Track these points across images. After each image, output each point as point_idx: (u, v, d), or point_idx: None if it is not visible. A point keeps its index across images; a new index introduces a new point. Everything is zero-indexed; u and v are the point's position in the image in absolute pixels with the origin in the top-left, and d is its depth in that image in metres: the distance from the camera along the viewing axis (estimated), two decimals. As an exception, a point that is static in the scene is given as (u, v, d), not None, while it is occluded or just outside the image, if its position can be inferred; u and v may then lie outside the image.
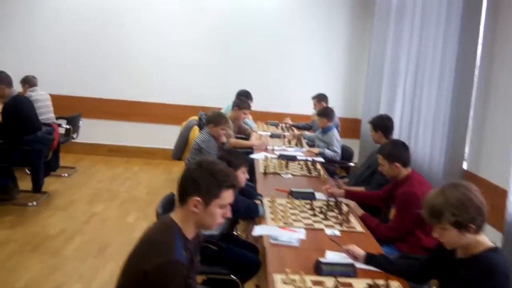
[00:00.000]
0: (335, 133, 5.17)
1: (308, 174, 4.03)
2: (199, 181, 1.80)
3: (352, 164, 5.18)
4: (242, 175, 2.99)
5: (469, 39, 3.86)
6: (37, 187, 4.96)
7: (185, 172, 1.88)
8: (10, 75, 4.93)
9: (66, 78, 7.37)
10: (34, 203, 5.05)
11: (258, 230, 2.64)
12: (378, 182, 3.92)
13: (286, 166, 4.18)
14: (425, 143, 4.58)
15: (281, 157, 4.49)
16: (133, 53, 7.48)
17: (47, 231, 4.45)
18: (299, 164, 4.38)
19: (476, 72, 3.84)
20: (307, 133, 6.00)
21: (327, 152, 5.05)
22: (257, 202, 3.02)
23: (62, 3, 7.32)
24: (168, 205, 2.99)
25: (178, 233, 1.81)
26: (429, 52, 4.60)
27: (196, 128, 6.31)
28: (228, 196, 1.85)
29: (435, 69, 4.44)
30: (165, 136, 7.47)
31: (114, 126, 7.60)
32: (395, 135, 4.97)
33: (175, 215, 1.87)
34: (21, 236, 4.26)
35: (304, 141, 5.50)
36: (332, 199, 3.24)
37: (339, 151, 5.09)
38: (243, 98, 5.97)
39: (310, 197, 3.27)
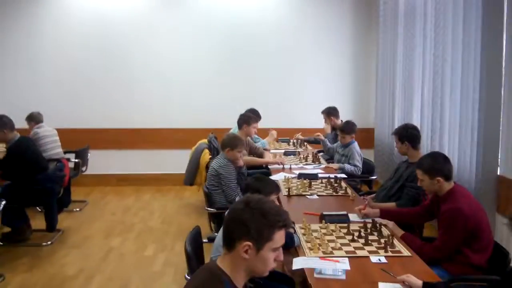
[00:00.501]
0: (355, 146, 5.00)
1: (334, 193, 3.86)
2: (248, 223, 1.62)
3: (374, 177, 5.00)
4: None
5: (492, 36, 3.72)
6: (51, 226, 4.79)
7: (231, 214, 1.70)
8: (14, 112, 4.79)
9: (70, 111, 7.25)
10: (49, 242, 4.87)
11: (298, 263, 2.46)
12: (409, 196, 3.74)
13: (310, 186, 4.00)
14: (452, 150, 4.41)
15: (302, 176, 4.31)
16: (136, 80, 7.36)
17: (65, 271, 4.26)
18: (322, 182, 4.20)
19: (503, 70, 3.69)
20: (328, 143, 5.77)
21: (347, 167, 4.87)
22: (290, 230, 2.84)
23: (61, 33, 7.21)
24: (195, 241, 2.82)
25: (227, 283, 1.63)
26: (448, 53, 4.46)
27: (206, 151, 6.16)
28: (280, 237, 1.67)
29: (457, 71, 4.28)
30: (174, 162, 7.34)
31: (122, 155, 7.45)
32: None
33: (222, 262, 1.69)
34: (39, 279, 4.07)
35: (321, 158, 5.33)
36: (368, 220, 3.07)
37: (360, 165, 4.91)
38: (248, 113, 5.80)
39: (345, 220, 3.09)
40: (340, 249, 2.65)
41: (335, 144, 5.33)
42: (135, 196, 6.94)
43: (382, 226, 2.98)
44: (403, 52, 5.88)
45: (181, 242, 4.97)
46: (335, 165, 4.94)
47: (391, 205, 3.77)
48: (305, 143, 6.44)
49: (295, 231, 2.88)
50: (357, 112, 7.21)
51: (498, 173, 3.87)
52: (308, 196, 3.76)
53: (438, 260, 2.73)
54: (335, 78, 7.41)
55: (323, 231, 2.92)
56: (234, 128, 6.34)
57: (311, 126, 7.16)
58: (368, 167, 4.99)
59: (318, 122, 7.04)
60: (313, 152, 5.60)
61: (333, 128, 6.14)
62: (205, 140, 6.44)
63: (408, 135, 3.88)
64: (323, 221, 3.03)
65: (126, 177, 7.46)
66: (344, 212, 3.18)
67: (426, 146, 4.87)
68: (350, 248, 2.66)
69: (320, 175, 4.39)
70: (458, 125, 4.30)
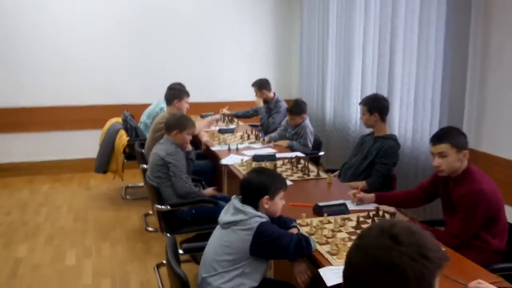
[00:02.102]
0: (308, 124, 4.56)
1: (306, 177, 3.39)
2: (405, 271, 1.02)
3: (322, 153, 4.65)
4: (280, 202, 2.26)
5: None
6: None
7: (371, 257, 1.07)
8: None
9: None
10: None
11: (330, 277, 1.94)
12: (381, 174, 3.45)
13: (275, 169, 3.48)
14: (404, 124, 4.23)
15: (258, 158, 3.77)
16: (21, 51, 6.03)
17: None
18: (284, 164, 3.71)
19: (470, 30, 3.50)
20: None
21: (296, 145, 4.44)
22: (294, 230, 2.31)
23: None
24: (174, 255, 2.15)
25: None
26: (400, 17, 4.21)
27: (122, 133, 5.27)
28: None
29: (411, 33, 4.04)
30: (75, 145, 6.30)
31: (3, 140, 6.13)
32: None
33: None
34: None
35: (261, 134, 4.81)
36: (369, 208, 2.68)
37: (310, 145, 4.51)
38: (178, 87, 5.07)
39: (344, 210, 2.65)
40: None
41: (283, 122, 4.84)
42: (28, 189, 5.77)
43: (386, 214, 2.60)
44: (337, 13, 5.54)
45: (107, 244, 4.16)
46: (284, 143, 4.47)
47: (361, 183, 3.44)
48: (234, 118, 5.86)
49: (299, 230, 2.36)
50: (280, 83, 6.80)
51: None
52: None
53: (455, 248, 2.44)
54: (257, 49, 6.90)
55: (329, 226, 2.45)
56: (155, 104, 5.53)
57: (237, 99, 6.63)
58: (316, 143, 4.61)
59: (243, 95, 6.55)
60: (253, 129, 5.04)
61: (265, 101, 5.65)
62: (119, 119, 5.52)
63: (379, 106, 3.56)
64: (325, 214, 2.55)
65: (11, 166, 6.18)
66: (342, 201, 2.73)
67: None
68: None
69: (279, 156, 3.89)
70: (413, 98, 4.10)
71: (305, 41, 6.46)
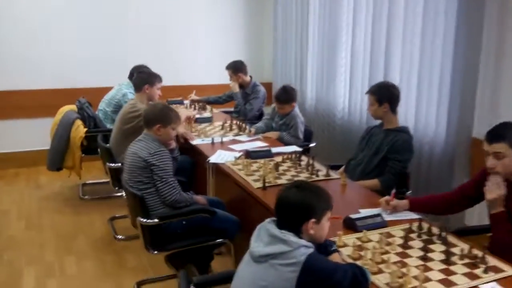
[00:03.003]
0: (297, 113, 4.06)
1: (315, 177, 2.91)
2: None
3: (313, 144, 4.19)
4: (327, 224, 1.77)
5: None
6: None
7: None
8: None
9: None
10: None
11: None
12: (395, 171, 3.06)
13: (277, 169, 2.98)
14: (405, 111, 3.85)
15: (252, 155, 3.26)
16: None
17: None
18: (284, 161, 3.21)
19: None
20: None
21: (286, 137, 3.95)
22: (336, 257, 1.84)
23: None
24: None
25: None
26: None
27: (79, 123, 4.57)
28: None
29: (414, 10, 3.63)
30: (18, 136, 5.50)
31: None
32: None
33: None
34: None
35: (247, 124, 4.26)
36: (404, 217, 2.27)
37: (302, 136, 4.04)
38: (148, 70, 4.41)
39: (381, 223, 2.21)
40: (428, 280, 1.76)
41: (269, 110, 4.31)
42: (-37, 189, 4.95)
43: (433, 228, 2.18)
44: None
45: (71, 258, 3.51)
46: (273, 134, 3.96)
47: (373, 182, 3.04)
48: (206, 105, 5.27)
49: (340, 254, 1.89)
50: (251, 65, 6.24)
51: (473, 135, 3.45)
52: (289, 186, 2.74)
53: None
54: (228, 28, 6.27)
55: (370, 245, 2.00)
56: (116, 90, 4.84)
57: (205, 82, 6.02)
58: (306, 133, 4.14)
59: (212, 77, 5.98)
60: (233, 119, 4.47)
61: (241, 86, 5.10)
62: (73, 107, 4.78)
63: (389, 95, 3.14)
64: (363, 231, 2.09)
65: None
66: (376, 211, 2.29)
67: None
68: (438, 275, 1.80)
69: (275, 151, 3.39)
70: (416, 80, 3.72)
71: (281, 16, 5.91)
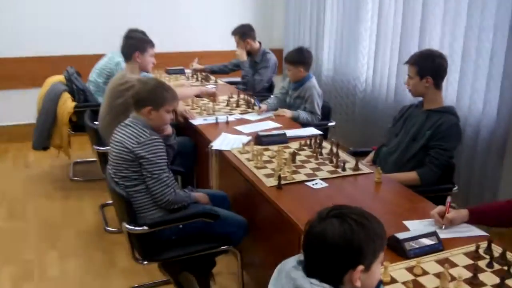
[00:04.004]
0: (314, 83, 3.49)
1: (342, 172, 2.37)
2: None
3: (332, 123, 3.63)
4: (378, 269, 1.24)
5: None
6: None
7: None
8: None
9: None
10: None
11: None
12: (439, 163, 2.51)
13: (293, 160, 2.45)
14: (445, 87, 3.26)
15: (263, 141, 2.72)
16: None
17: None
18: (301, 149, 2.67)
19: None
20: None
21: (302, 115, 3.39)
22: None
23: None
24: None
25: None
26: None
27: (67, 97, 4.04)
28: None
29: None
30: (4, 108, 4.99)
31: None
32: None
33: None
34: None
35: (255, 100, 3.68)
36: (463, 234, 1.74)
37: (319, 111, 3.47)
38: (138, 36, 3.81)
39: (436, 246, 1.68)
40: None
41: (284, 83, 3.72)
42: None
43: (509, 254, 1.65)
44: None
45: (54, 255, 3.05)
46: (287, 112, 3.39)
47: (411, 176, 2.50)
48: (209, 75, 4.69)
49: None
50: (261, 28, 5.60)
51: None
52: (311, 185, 2.21)
53: None
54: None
55: (428, 282, 1.48)
56: (109, 58, 4.26)
57: (209, 48, 5.42)
58: (323, 109, 3.57)
59: (217, 43, 5.37)
60: (240, 92, 3.90)
61: (249, 53, 4.50)
62: (61, 78, 4.23)
63: (435, 67, 2.56)
64: (416, 259, 1.57)
65: None
66: (428, 225, 1.77)
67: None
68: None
69: (290, 135, 2.84)
70: (462, 50, 3.12)
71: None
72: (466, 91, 3.12)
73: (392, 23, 3.79)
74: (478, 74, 3.02)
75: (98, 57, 4.39)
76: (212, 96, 3.57)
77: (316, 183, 2.21)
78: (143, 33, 4.09)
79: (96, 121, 3.51)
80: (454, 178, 2.64)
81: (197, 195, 2.41)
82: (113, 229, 3.32)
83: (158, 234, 2.20)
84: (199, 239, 2.29)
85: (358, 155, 2.82)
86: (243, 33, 4.41)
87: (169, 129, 2.48)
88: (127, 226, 2.12)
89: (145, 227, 2.11)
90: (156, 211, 2.25)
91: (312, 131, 2.98)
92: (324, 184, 2.20)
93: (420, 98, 2.69)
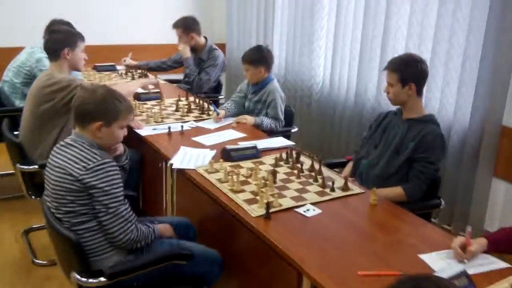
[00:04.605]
0: (276, 86, 3.14)
1: (330, 192, 2.06)
2: None
3: (295, 129, 3.32)
4: None
5: None
6: None
7: None
8: None
9: None
10: None
11: None
12: (425, 177, 2.30)
13: (274, 179, 2.09)
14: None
15: (230, 156, 2.33)
16: None
17: None
18: (277, 164, 2.32)
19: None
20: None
21: (266, 122, 3.04)
22: None
23: None
24: None
25: None
26: None
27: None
28: None
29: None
30: None
31: None
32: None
33: None
34: None
35: (211, 105, 3.25)
36: (486, 266, 1.52)
37: (282, 117, 3.14)
38: (64, 29, 3.21)
39: (468, 286, 1.42)
40: None
41: (242, 85, 3.31)
42: None
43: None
44: None
45: None
46: (248, 119, 3.01)
47: (396, 192, 2.27)
48: (146, 72, 4.17)
49: None
50: (201, 22, 5.17)
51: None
52: (302, 212, 1.87)
53: None
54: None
55: None
56: (28, 54, 3.63)
57: (142, 41, 4.89)
58: (286, 114, 3.23)
59: (152, 36, 4.87)
60: (188, 95, 3.47)
61: (193, 49, 4.06)
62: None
63: (418, 73, 2.34)
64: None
65: None
66: (456, 266, 1.50)
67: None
68: None
69: (261, 146, 2.47)
70: (431, 50, 2.96)
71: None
72: (436, 99, 2.97)
73: (352, 20, 3.55)
74: (449, 81, 2.87)
75: (10, 51, 3.72)
76: (156, 87, 3.27)
77: (307, 210, 1.88)
78: (69, 24, 3.52)
79: (16, 130, 2.92)
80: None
81: (160, 228, 1.97)
82: (43, 262, 2.76)
83: (117, 282, 1.74)
84: (166, 283, 1.87)
85: (332, 167, 2.54)
86: (187, 26, 3.96)
87: (121, 148, 2.02)
88: (79, 277, 1.64)
89: (102, 279, 1.64)
90: (113, 253, 1.79)
91: (282, 141, 2.64)
92: (317, 211, 1.88)
93: (398, 106, 2.47)
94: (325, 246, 1.67)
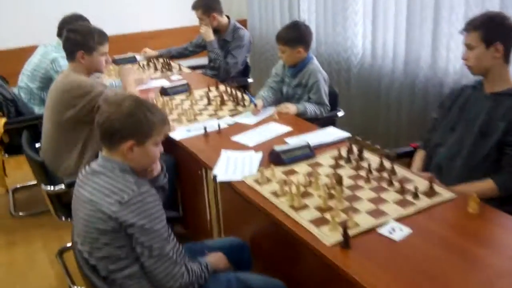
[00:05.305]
0: (316, 66, 2.75)
1: (411, 199, 1.69)
2: None
3: (341, 113, 2.94)
4: None
5: None
6: None
7: None
8: None
9: None
10: None
11: None
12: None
13: (340, 185, 1.75)
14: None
15: (283, 160, 1.99)
16: None
17: None
18: (338, 165, 1.97)
19: None
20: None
21: (310, 109, 2.68)
22: None
23: None
24: None
25: None
26: None
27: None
28: None
29: None
30: None
31: None
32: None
33: None
34: None
35: (247, 94, 2.89)
36: None
37: (327, 100, 2.77)
38: (80, 27, 2.85)
39: None
40: None
41: (276, 68, 2.93)
42: None
43: None
44: None
45: None
46: (290, 107, 2.65)
47: (486, 185, 1.88)
48: (170, 61, 3.82)
49: None
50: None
51: None
52: (387, 233, 1.51)
53: None
54: None
55: None
56: (41, 54, 3.34)
57: (158, 27, 4.54)
58: (330, 96, 2.85)
59: (167, 20, 4.50)
60: (218, 84, 3.12)
61: (216, 31, 3.67)
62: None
63: (506, 30, 1.92)
64: None
65: None
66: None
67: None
68: None
69: (312, 143, 2.12)
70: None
71: None
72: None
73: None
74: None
75: (26, 51, 3.42)
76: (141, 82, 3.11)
77: (393, 230, 1.53)
78: (82, 17, 3.18)
79: (38, 141, 2.65)
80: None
81: (212, 260, 1.66)
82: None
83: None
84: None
85: (399, 158, 2.18)
86: (207, 6, 3.57)
87: (158, 167, 1.70)
88: None
89: None
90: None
91: (335, 133, 2.28)
92: (405, 230, 1.52)
93: (478, 77, 2.06)
94: (423, 280, 1.32)
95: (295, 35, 2.66)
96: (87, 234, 1.46)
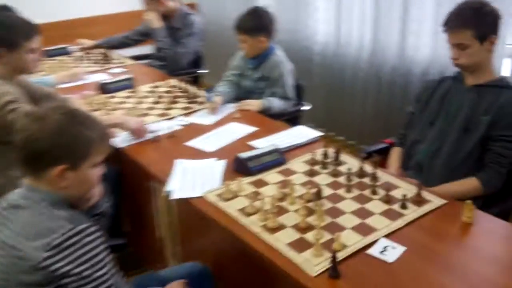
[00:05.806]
0: (280, 56, 2.48)
1: (398, 209, 1.47)
2: None
3: (307, 107, 2.69)
4: None
5: None
6: None
7: None
8: None
9: None
10: None
11: None
12: (509, 160, 1.75)
13: (319, 198, 1.50)
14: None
15: (250, 169, 1.71)
16: None
17: None
18: (313, 172, 1.71)
19: None
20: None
21: (275, 104, 2.41)
22: None
23: None
24: None
25: None
26: None
27: None
28: None
29: None
30: None
31: None
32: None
33: None
34: None
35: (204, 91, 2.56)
36: None
37: (292, 94, 2.51)
38: (8, 21, 2.37)
39: None
40: None
41: (237, 60, 2.61)
42: None
43: None
44: None
45: None
46: (253, 104, 2.35)
47: (470, 184, 1.73)
48: (108, 53, 3.41)
49: None
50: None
51: None
52: (377, 254, 1.29)
53: None
54: None
55: None
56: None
57: (94, 13, 4.10)
58: (295, 89, 2.58)
59: (107, 5, 4.08)
60: (165, 78, 2.78)
61: (164, 16, 3.30)
62: None
63: (495, 20, 1.75)
64: None
65: None
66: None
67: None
68: None
69: (281, 146, 1.85)
70: None
71: None
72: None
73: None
74: None
75: None
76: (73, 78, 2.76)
77: (384, 249, 1.30)
78: (7, 7, 2.72)
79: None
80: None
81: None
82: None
83: None
84: None
85: (369, 156, 1.96)
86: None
87: (98, 192, 1.37)
88: None
89: None
90: None
91: (306, 133, 2.02)
92: (399, 248, 1.30)
93: (456, 68, 1.87)
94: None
95: (256, 23, 2.37)
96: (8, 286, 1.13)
